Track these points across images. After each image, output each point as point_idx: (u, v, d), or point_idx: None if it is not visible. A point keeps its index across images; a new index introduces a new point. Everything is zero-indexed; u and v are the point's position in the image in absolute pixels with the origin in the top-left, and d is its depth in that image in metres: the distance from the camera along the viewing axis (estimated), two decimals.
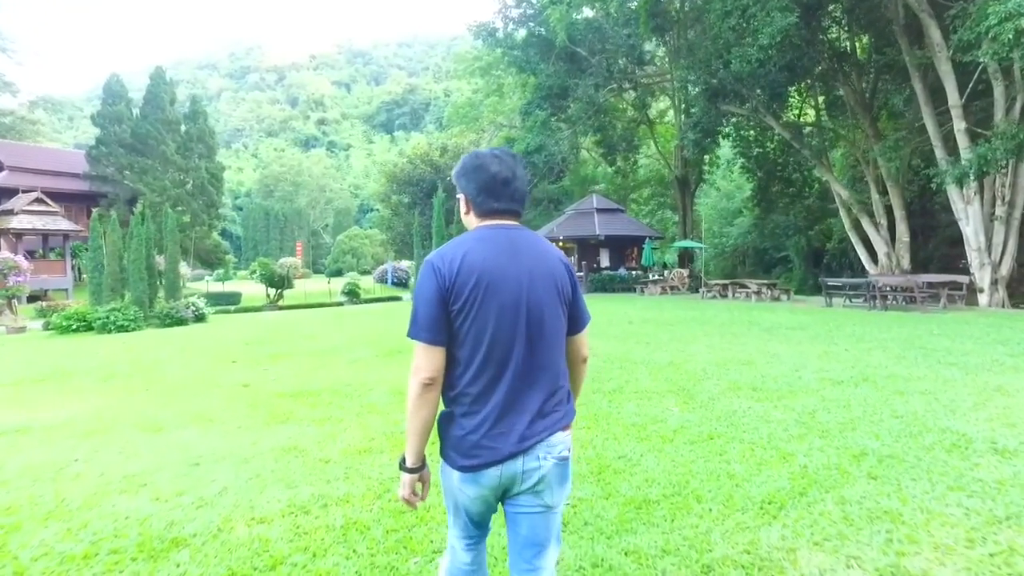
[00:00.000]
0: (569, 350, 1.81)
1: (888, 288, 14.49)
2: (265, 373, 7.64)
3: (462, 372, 1.66)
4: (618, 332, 10.86)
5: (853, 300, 16.01)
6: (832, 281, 16.44)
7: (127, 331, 14.99)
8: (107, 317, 15.08)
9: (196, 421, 5.24)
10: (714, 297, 19.97)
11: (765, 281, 19.77)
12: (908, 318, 12.33)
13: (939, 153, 17.22)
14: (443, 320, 1.62)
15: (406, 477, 1.73)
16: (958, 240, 21.33)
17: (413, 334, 1.64)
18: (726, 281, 20.72)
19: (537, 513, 1.72)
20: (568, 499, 2.02)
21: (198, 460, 4.17)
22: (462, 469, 1.65)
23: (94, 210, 18.71)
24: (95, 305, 16.20)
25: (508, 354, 1.64)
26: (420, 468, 1.73)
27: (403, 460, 1.73)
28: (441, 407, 1.73)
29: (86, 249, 22.57)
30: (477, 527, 1.79)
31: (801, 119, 24.91)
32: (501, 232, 1.71)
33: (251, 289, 33.66)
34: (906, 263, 19.73)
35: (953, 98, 16.27)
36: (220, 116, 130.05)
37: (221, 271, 45.37)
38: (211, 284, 35.01)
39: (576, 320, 1.81)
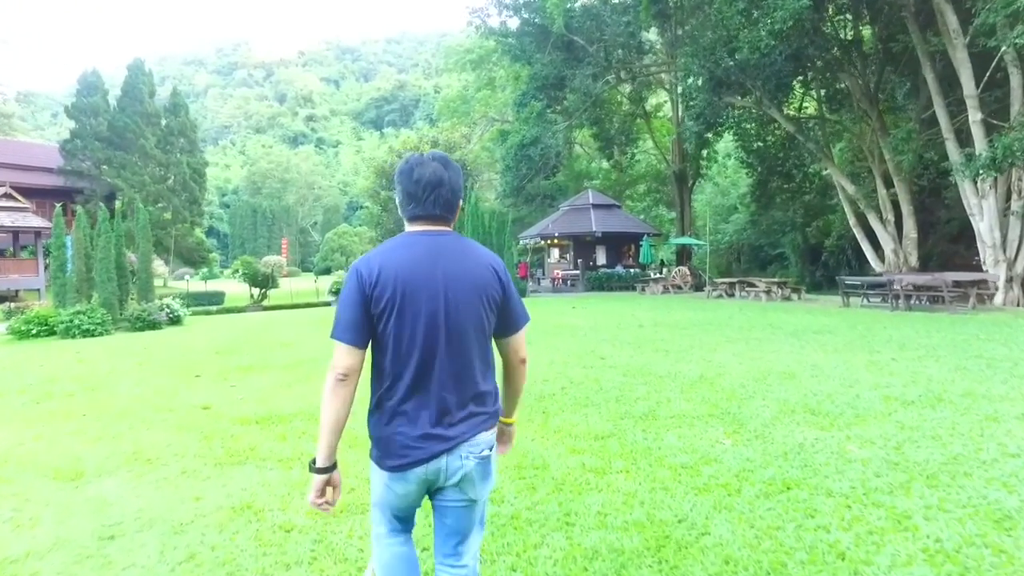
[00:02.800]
0: (504, 352, 1.84)
1: (911, 287, 13.58)
2: (231, 391, 6.56)
3: (386, 376, 1.69)
4: (630, 337, 9.86)
5: (871, 300, 15.13)
6: (850, 280, 15.52)
7: (93, 336, 13.81)
8: (71, 321, 13.87)
9: (130, 462, 4.16)
10: (720, 296, 19.04)
11: (775, 280, 18.84)
12: (940, 320, 11.42)
13: (951, 146, 16.39)
14: (363, 323, 1.67)
15: (316, 479, 1.72)
16: (958, 237, 20.73)
17: (335, 335, 1.68)
18: (733, 280, 19.78)
19: (462, 506, 1.77)
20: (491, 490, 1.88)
21: (114, 530, 3.09)
22: (391, 469, 1.68)
23: (56, 205, 17.35)
24: (59, 307, 14.96)
25: (427, 358, 1.66)
26: (331, 469, 1.73)
27: (313, 461, 1.72)
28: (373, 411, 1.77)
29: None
30: (402, 522, 1.84)
31: (801, 113, 24.02)
32: (423, 239, 1.73)
33: (235, 288, 32.39)
34: (914, 260, 18.92)
35: (968, 88, 15.46)
36: (207, 112, 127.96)
37: (205, 270, 44.04)
38: (192, 283, 33.75)
39: (509, 323, 1.81)
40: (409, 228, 1.77)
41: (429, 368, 1.66)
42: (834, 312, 13.62)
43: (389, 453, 1.68)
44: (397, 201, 1.82)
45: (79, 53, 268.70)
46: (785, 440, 4.41)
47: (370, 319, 1.66)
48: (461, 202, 1.81)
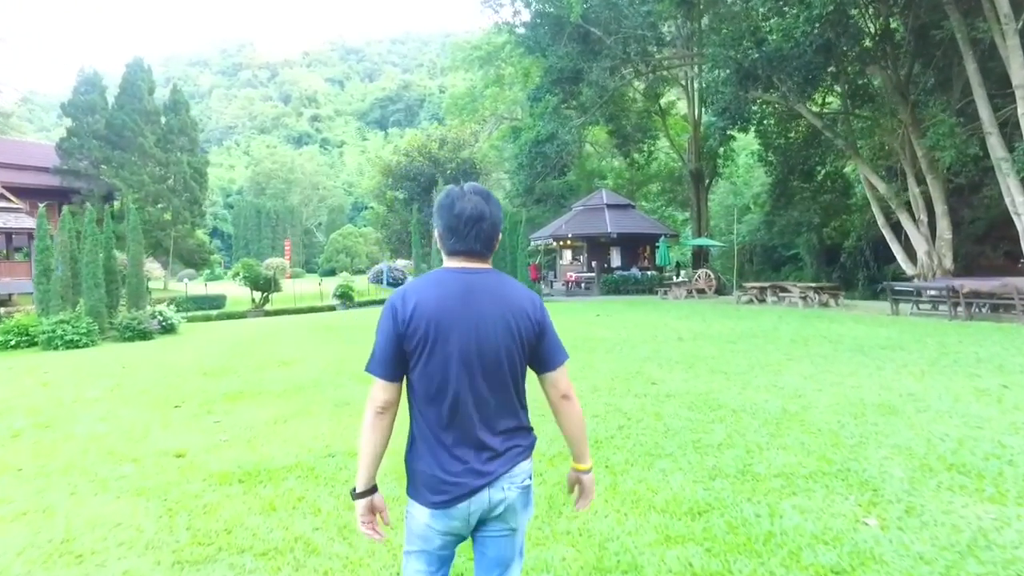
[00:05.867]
0: (544, 389, 1.80)
1: (973, 294, 12.35)
2: (214, 429, 5.41)
3: (421, 412, 1.68)
4: (675, 354, 8.66)
5: (920, 307, 13.91)
6: (899, 286, 14.30)
7: (78, 347, 12.73)
8: (53, 331, 12.77)
9: (50, 562, 2.98)
10: (750, 302, 17.82)
11: (812, 284, 17.61)
12: (1016, 332, 10.20)
13: (994, 140, 15.14)
14: (398, 358, 1.66)
15: (360, 504, 1.72)
16: (984, 237, 19.61)
17: (370, 369, 1.69)
18: (764, 284, 18.55)
19: (503, 536, 1.75)
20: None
21: None
22: (433, 505, 1.66)
23: (41, 205, 16.26)
24: (43, 315, 13.85)
25: (460, 396, 1.64)
26: (371, 492, 1.72)
27: (353, 489, 1.73)
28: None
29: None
30: (440, 560, 1.77)
31: (823, 108, 22.77)
32: (458, 276, 1.71)
33: (238, 291, 31.30)
34: (948, 263, 17.64)
35: (1018, 77, 14.30)
36: (212, 113, 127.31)
37: (208, 271, 43.05)
38: (192, 286, 32.73)
39: (544, 360, 1.76)
40: (447, 263, 1.76)
41: (463, 405, 1.63)
42: (886, 321, 12.41)
43: (431, 489, 1.65)
44: (436, 234, 1.78)
45: (83, 54, 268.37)
46: (950, 520, 3.23)
47: (403, 354, 1.65)
48: (500, 236, 1.80)
